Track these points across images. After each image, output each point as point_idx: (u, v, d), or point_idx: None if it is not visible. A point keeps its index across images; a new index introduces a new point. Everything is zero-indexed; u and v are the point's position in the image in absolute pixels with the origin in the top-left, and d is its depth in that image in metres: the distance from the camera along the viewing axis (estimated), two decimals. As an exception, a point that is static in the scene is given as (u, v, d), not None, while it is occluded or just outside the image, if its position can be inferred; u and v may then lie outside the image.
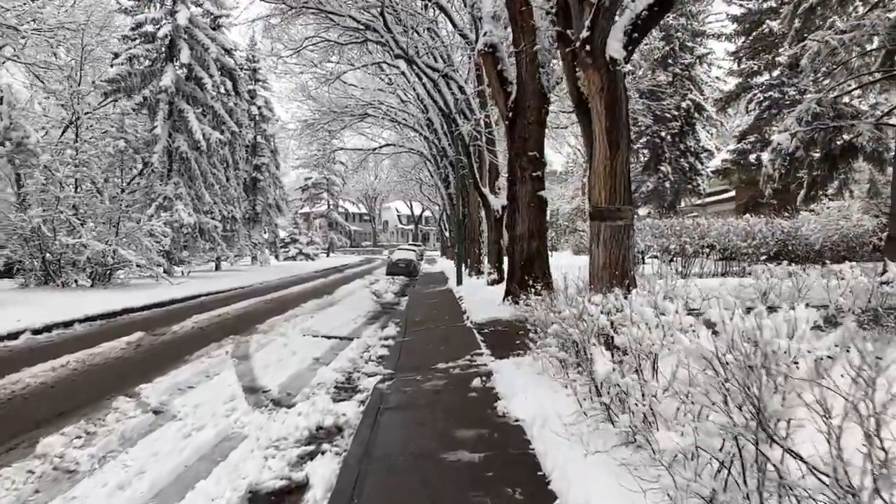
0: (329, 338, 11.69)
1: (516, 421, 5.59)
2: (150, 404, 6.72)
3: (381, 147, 43.10)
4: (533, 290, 12.25)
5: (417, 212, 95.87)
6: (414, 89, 29.39)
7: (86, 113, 17.74)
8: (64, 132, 17.81)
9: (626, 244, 6.96)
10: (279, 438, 5.68)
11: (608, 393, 4.27)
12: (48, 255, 17.10)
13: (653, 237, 20.96)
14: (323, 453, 5.32)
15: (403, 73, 29.65)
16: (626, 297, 5.56)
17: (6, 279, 18.47)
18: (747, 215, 21.78)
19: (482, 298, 15.03)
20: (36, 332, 10.97)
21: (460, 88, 19.29)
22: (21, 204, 16.68)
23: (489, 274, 19.75)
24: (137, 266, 18.55)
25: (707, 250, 20.60)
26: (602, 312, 4.75)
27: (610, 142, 6.87)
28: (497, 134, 20.00)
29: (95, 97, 18.94)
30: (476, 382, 7.11)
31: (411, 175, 55.36)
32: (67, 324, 11.97)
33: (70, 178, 17.68)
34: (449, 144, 29.03)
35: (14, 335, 10.48)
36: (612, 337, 4.58)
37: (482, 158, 20.41)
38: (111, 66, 23.16)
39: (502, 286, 18.55)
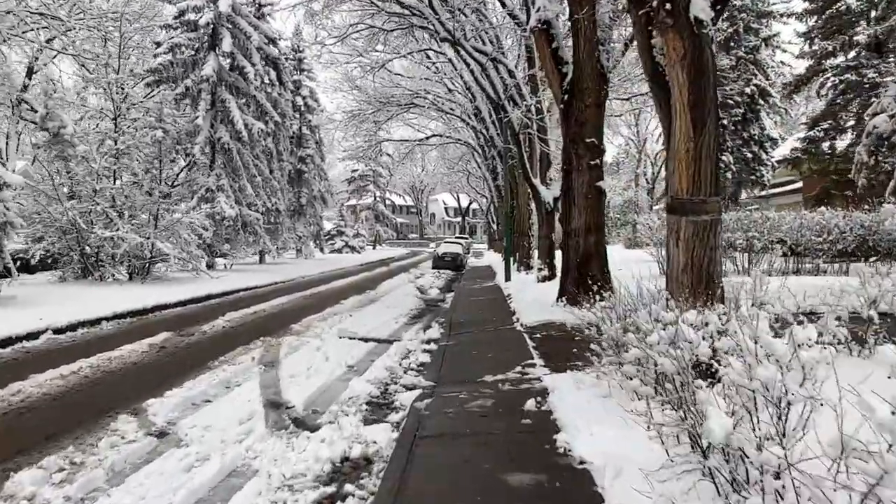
0: (367, 340, 10.79)
1: (581, 464, 4.51)
2: (154, 424, 5.90)
3: (427, 138, 42.22)
4: (591, 291, 11.04)
5: (464, 204, 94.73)
6: (461, 77, 28.33)
7: (123, 101, 17.31)
8: (100, 122, 17.45)
9: (711, 243, 5.78)
10: (295, 475, 4.75)
11: (717, 451, 3.15)
12: (86, 248, 16.77)
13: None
14: (344, 499, 4.36)
15: (451, 61, 28.64)
16: (719, 311, 4.43)
17: (47, 272, 18.22)
18: (822, 208, 20.00)
19: (533, 298, 13.92)
20: (58, 331, 10.41)
21: (510, 73, 18.11)
22: (58, 195, 16.32)
23: (539, 270, 18.59)
24: (177, 259, 18.08)
25: (777, 246, 19.06)
26: (703, 337, 3.63)
27: (694, 120, 5.69)
28: (549, 122, 18.78)
29: (136, 86, 18.56)
30: (530, 404, 6.05)
31: (458, 166, 54.27)
32: (94, 322, 11.40)
33: (107, 169, 17.30)
34: (497, 133, 27.86)
35: (35, 335, 9.91)
36: (716, 370, 3.48)
37: (532, 147, 19.21)
38: (154, 55, 22.80)
39: (553, 284, 17.37)
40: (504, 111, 18.47)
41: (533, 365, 8.14)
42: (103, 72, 17.20)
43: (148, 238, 17.30)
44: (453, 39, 17.73)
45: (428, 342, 10.84)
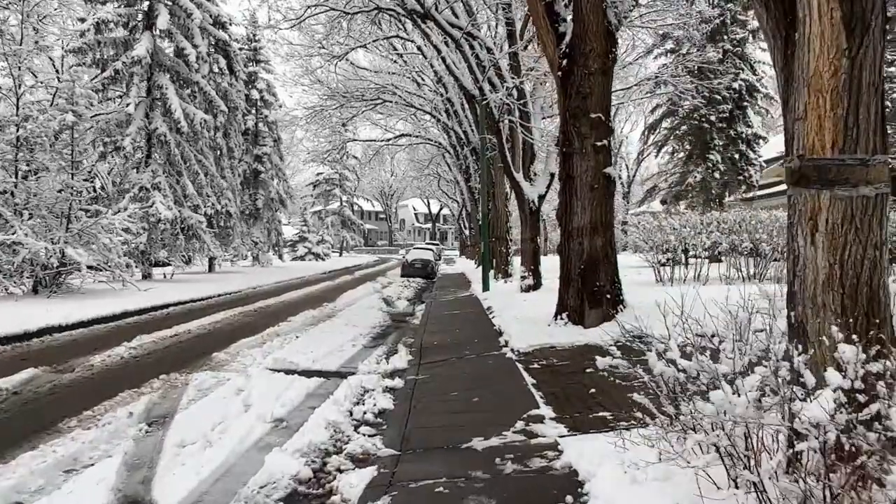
0: (310, 374, 8.14)
1: None
2: None
3: (395, 138, 39.78)
4: (599, 305, 8.58)
5: (435, 209, 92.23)
6: (431, 66, 25.99)
7: (23, 78, 14.36)
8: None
9: (875, 236, 3.32)
10: None
11: None
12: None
13: (720, 234, 17.29)
14: None
15: (419, 49, 26.34)
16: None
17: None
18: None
19: (521, 312, 11.40)
20: None
21: (488, 50, 15.68)
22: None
23: (523, 278, 16.14)
24: (91, 269, 15.11)
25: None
26: None
27: (848, 17, 3.23)
28: (532, 107, 16.35)
29: (45, 63, 15.67)
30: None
31: (428, 170, 51.93)
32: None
33: (5, 160, 14.31)
34: (472, 127, 25.52)
35: None
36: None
37: (514, 138, 16.77)
38: (80, 33, 19.73)
39: (540, 294, 14.91)
40: (482, 95, 15.99)
41: (541, 418, 5.61)
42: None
43: (56, 243, 14.35)
44: (424, 11, 15.25)
45: (391, 375, 8.25)
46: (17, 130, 14.60)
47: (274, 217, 37.13)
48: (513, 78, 15.63)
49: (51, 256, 14.32)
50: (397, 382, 7.79)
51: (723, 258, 17.89)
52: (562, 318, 9.49)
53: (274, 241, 37.88)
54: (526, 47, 16.26)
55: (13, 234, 13.61)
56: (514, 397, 6.42)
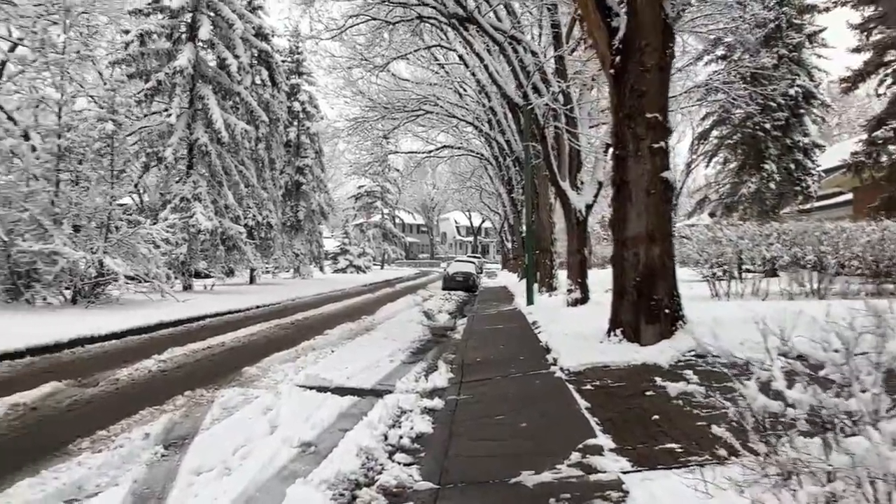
0: (343, 392, 7.60)
1: None
2: None
3: (437, 150, 39.40)
4: (657, 321, 7.85)
5: (476, 222, 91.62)
6: (473, 75, 25.50)
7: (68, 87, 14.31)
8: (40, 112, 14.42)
9: None
10: None
11: None
12: (16, 265, 13.68)
13: (780, 245, 16.29)
14: None
15: (461, 58, 25.89)
16: None
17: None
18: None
19: (569, 328, 10.68)
20: None
21: (533, 54, 15.08)
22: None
23: (569, 292, 15.38)
24: (127, 280, 14.94)
25: (854, 263, 15.93)
26: None
27: None
28: (579, 113, 15.66)
29: (92, 75, 15.69)
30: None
31: (470, 182, 51.47)
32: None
33: (47, 170, 14.26)
34: (513, 136, 24.94)
35: None
36: None
37: (560, 145, 16.07)
38: (125, 45, 19.90)
39: (588, 309, 14.13)
40: (526, 101, 15.38)
41: (599, 449, 4.92)
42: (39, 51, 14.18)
43: (95, 253, 14.21)
44: (466, 14, 14.76)
45: (431, 395, 7.66)
46: (59, 139, 14.59)
47: (315, 229, 37.07)
48: (559, 82, 14.99)
49: (89, 266, 14.21)
50: (437, 403, 7.18)
51: (779, 272, 16.87)
52: (615, 335, 8.75)
53: (315, 252, 37.81)
54: (573, 50, 15.61)
55: (52, 243, 13.52)
56: (566, 423, 5.74)
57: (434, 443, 5.69)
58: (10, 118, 14.41)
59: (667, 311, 8.48)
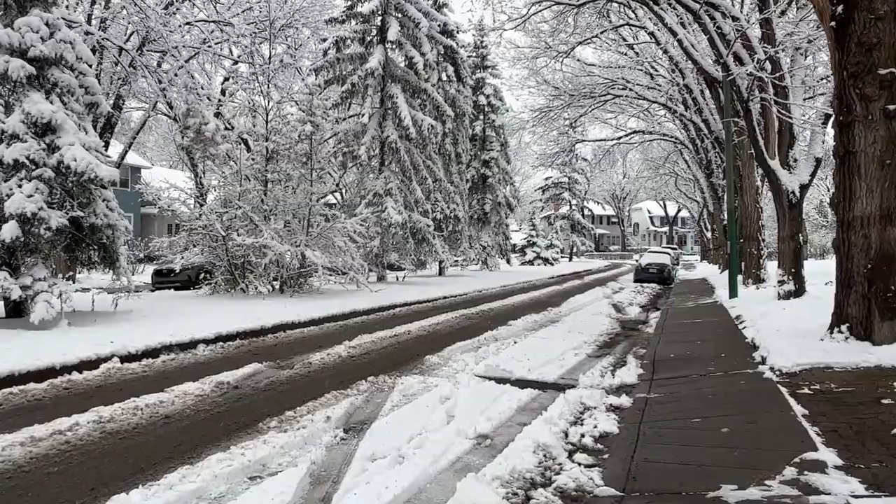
0: (524, 384, 7.31)
1: None
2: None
3: (626, 136, 37.65)
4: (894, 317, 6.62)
5: (672, 212, 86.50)
6: (666, 52, 23.82)
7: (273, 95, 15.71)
8: (253, 119, 15.99)
9: None
10: None
11: None
12: (233, 258, 15.32)
13: None
14: None
15: (652, 35, 24.30)
16: None
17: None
18: None
19: (780, 323, 9.43)
20: (125, 358, 8.24)
21: (733, 19, 13.59)
22: (201, 199, 15.03)
23: (781, 283, 13.69)
24: (325, 270, 16.05)
25: None
26: None
27: None
28: (790, 81, 13.85)
29: (292, 80, 17.08)
30: None
31: (664, 169, 48.61)
32: (181, 346, 9.22)
33: (252, 168, 15.77)
34: (712, 114, 22.95)
35: (94, 363, 7.82)
36: None
37: (767, 119, 14.34)
38: (323, 52, 21.46)
39: (803, 302, 12.45)
40: (726, 71, 13.94)
41: (821, 466, 4.13)
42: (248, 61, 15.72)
43: (297, 246, 15.44)
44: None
45: (617, 391, 7.10)
46: (267, 142, 16.07)
47: (501, 221, 37.30)
48: (765, 48, 13.36)
49: (293, 259, 15.52)
50: (624, 400, 6.61)
51: None
52: (840, 332, 7.49)
53: (502, 244, 38.06)
54: (783, 12, 13.84)
55: (262, 237, 14.95)
56: (778, 431, 4.93)
57: (619, 444, 5.19)
58: (228, 125, 16.22)
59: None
